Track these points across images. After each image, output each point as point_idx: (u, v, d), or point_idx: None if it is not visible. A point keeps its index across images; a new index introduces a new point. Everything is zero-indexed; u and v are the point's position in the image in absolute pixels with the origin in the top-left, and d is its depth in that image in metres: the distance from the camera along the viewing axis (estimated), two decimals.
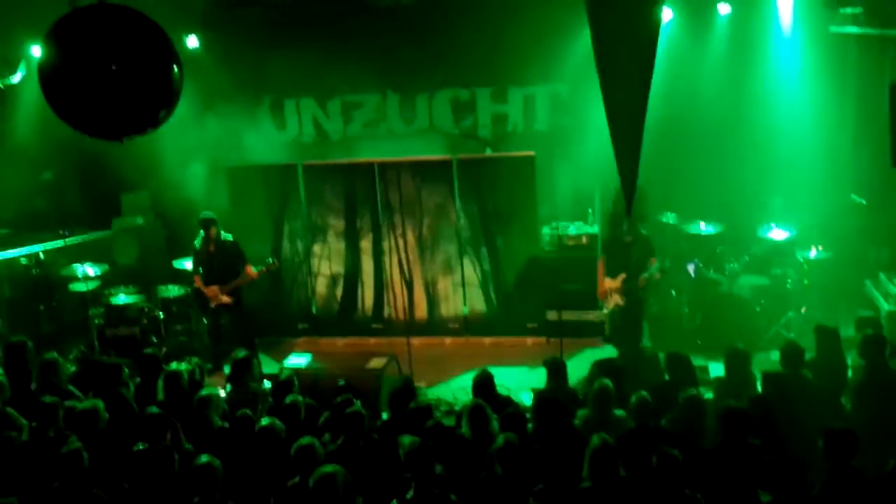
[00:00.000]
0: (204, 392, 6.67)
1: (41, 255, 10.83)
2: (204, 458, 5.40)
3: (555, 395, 6.58)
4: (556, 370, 7.03)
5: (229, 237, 9.78)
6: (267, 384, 8.15)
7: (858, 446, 5.17)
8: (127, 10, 5.21)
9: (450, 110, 11.61)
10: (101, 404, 6.28)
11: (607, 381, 6.32)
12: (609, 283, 9.15)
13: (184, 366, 7.89)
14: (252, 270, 9.71)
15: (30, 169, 11.90)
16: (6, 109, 11.26)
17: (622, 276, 8.99)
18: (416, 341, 9.65)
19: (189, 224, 10.04)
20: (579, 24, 6.83)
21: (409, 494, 5.19)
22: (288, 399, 6.48)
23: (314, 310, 10.99)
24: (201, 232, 9.65)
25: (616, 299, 9.10)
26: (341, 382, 7.12)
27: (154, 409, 6.25)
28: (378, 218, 10.61)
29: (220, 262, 9.63)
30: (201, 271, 9.71)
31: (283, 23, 11.09)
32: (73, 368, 8.05)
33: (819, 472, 5.25)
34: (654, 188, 9.56)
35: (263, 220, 10.84)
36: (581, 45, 9.48)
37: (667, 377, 7.03)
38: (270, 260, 10.11)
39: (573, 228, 10.45)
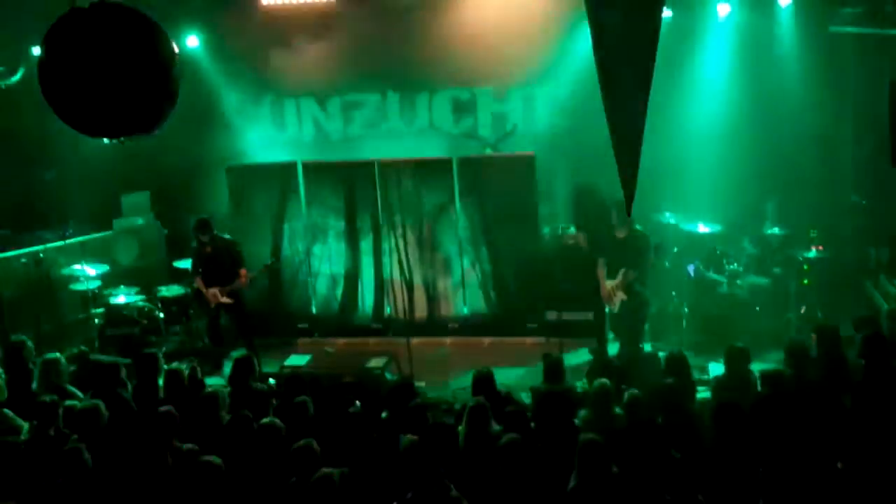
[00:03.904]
0: (211, 389, 6.70)
1: (41, 255, 10.83)
2: (206, 457, 5.40)
3: (554, 392, 6.60)
4: (554, 367, 7.03)
5: (228, 237, 9.78)
6: (272, 381, 8.17)
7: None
8: (127, 10, 5.21)
9: (450, 110, 11.61)
10: (101, 404, 6.29)
11: (607, 381, 6.34)
12: (611, 284, 9.14)
13: (184, 365, 7.90)
14: (246, 274, 9.67)
15: (30, 169, 11.91)
16: (6, 109, 11.26)
17: (622, 271, 9.00)
18: (416, 341, 9.64)
19: (189, 224, 10.03)
20: (579, 24, 6.87)
21: (409, 494, 5.19)
22: (297, 399, 6.49)
23: (314, 310, 10.99)
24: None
25: (621, 296, 9.09)
26: (345, 380, 7.11)
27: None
28: (378, 218, 10.61)
29: (219, 263, 9.61)
30: (201, 271, 9.70)
31: (283, 22, 11.09)
32: (72, 368, 8.05)
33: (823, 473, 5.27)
34: (654, 188, 9.55)
35: (263, 220, 10.84)
36: (581, 45, 9.50)
37: (666, 378, 7.02)
38: (270, 260, 10.12)
39: (573, 228, 10.44)
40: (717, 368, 8.06)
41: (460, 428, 6.09)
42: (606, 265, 9.20)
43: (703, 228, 10.07)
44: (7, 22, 9.95)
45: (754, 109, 10.36)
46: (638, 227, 9.15)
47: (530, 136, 11.24)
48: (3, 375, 7.09)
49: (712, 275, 9.95)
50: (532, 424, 6.20)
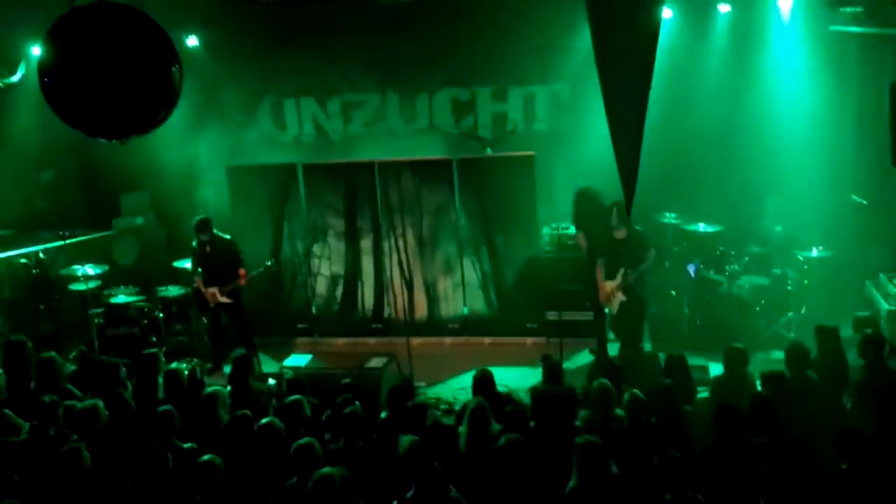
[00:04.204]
0: (211, 389, 6.71)
1: (41, 255, 10.84)
2: (206, 456, 5.40)
3: (552, 393, 6.60)
4: (553, 369, 7.03)
5: (227, 237, 9.78)
6: (272, 381, 8.16)
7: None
8: (127, 9, 5.21)
9: (450, 110, 11.61)
10: (101, 403, 6.29)
11: (607, 381, 6.33)
12: (610, 285, 9.15)
13: (184, 365, 7.90)
14: (245, 274, 9.66)
15: (30, 169, 11.91)
16: (6, 109, 11.26)
17: (621, 272, 9.00)
18: (416, 341, 9.64)
19: (189, 224, 10.05)
20: (579, 24, 6.86)
21: (409, 494, 5.19)
22: (290, 399, 6.49)
23: (314, 310, 10.98)
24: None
25: (620, 297, 9.09)
26: (345, 381, 7.12)
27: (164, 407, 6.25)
28: (378, 218, 10.60)
29: (219, 263, 9.62)
30: (200, 271, 9.71)
31: (284, 22, 11.09)
32: (72, 368, 8.05)
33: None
34: (654, 188, 9.54)
35: (263, 220, 10.83)
36: (581, 45, 9.49)
37: (666, 378, 7.02)
38: (269, 263, 10.11)
39: (573, 228, 10.44)
40: (716, 369, 8.06)
41: (461, 429, 6.09)
42: (605, 266, 9.20)
43: (703, 228, 10.07)
44: (7, 22, 9.94)
45: (754, 109, 10.36)
46: (637, 227, 9.15)
47: (530, 136, 11.24)
48: (3, 375, 7.08)
49: (712, 275, 9.95)
50: (532, 424, 6.19)
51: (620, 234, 9.08)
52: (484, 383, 6.80)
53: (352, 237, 10.73)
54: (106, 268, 10.57)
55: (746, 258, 10.00)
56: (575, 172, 10.62)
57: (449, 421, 6.95)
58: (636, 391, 6.20)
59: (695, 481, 5.20)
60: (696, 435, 6.12)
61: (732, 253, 9.96)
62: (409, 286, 10.72)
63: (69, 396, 6.97)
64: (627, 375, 7.08)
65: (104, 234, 11.65)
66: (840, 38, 9.81)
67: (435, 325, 10.72)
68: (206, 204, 10.95)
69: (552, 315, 9.76)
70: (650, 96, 5.22)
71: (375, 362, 8.66)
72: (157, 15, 5.37)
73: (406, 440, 5.45)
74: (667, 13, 9.91)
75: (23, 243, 10.98)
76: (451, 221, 10.49)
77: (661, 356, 7.59)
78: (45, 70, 5.17)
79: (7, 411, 6.64)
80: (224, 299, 9.61)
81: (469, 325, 10.64)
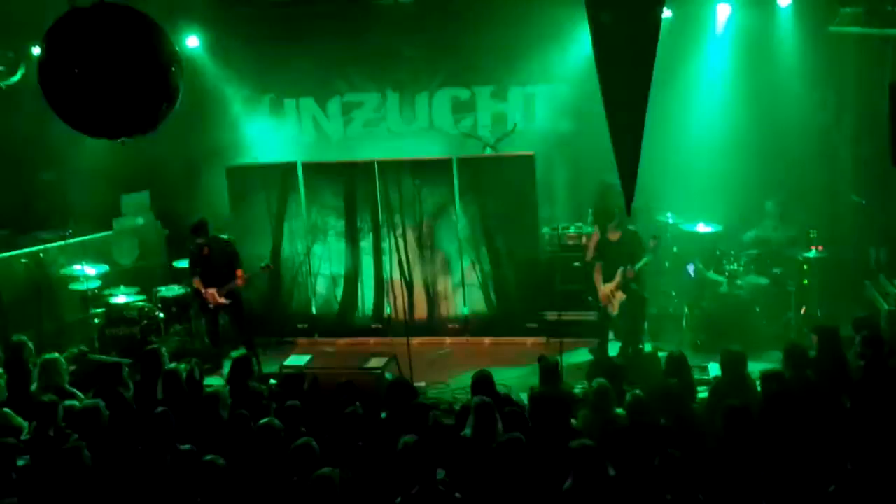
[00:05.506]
0: (210, 389, 6.71)
1: (41, 255, 10.83)
2: (208, 457, 5.41)
3: (549, 394, 6.60)
4: (549, 370, 7.03)
5: (225, 237, 9.77)
6: (272, 382, 8.17)
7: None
8: (127, 10, 5.22)
9: (450, 110, 11.61)
10: (101, 403, 6.29)
11: (605, 381, 6.34)
12: (608, 286, 9.14)
13: (183, 365, 7.90)
14: (242, 275, 9.64)
15: (30, 168, 11.91)
16: (6, 109, 11.25)
17: (619, 271, 8.99)
18: (416, 341, 9.64)
19: (189, 224, 10.04)
20: (579, 24, 6.87)
21: (409, 494, 5.18)
22: (289, 399, 6.50)
23: (314, 310, 10.99)
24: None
25: (620, 296, 9.09)
26: (344, 381, 7.12)
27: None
28: (378, 218, 10.61)
29: (217, 264, 9.60)
30: (199, 272, 9.70)
31: (283, 22, 11.10)
32: (72, 368, 8.05)
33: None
34: (654, 188, 9.56)
35: (263, 220, 10.84)
36: (581, 45, 9.51)
37: (666, 378, 7.02)
38: (264, 263, 10.09)
39: (573, 228, 10.45)
40: (716, 368, 8.07)
41: (467, 430, 6.07)
42: (602, 269, 9.19)
43: (703, 228, 10.08)
44: (7, 22, 9.94)
45: (754, 109, 10.37)
46: (630, 227, 9.15)
47: (530, 136, 11.24)
48: (3, 375, 7.09)
49: (712, 275, 9.96)
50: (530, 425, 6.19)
51: (615, 235, 9.09)
52: (483, 384, 6.80)
53: (352, 237, 10.74)
54: (106, 268, 10.56)
55: (746, 258, 10.01)
56: (575, 172, 10.63)
57: (449, 421, 6.95)
58: (637, 391, 6.21)
59: (697, 482, 5.19)
60: (698, 435, 6.12)
61: (732, 253, 9.97)
62: (409, 286, 10.72)
63: (69, 397, 6.98)
64: (627, 375, 7.09)
65: (104, 234, 11.65)
66: (839, 38, 9.82)
67: (435, 325, 10.72)
68: (206, 204, 10.95)
69: (552, 315, 9.76)
70: (650, 96, 5.22)
71: (375, 362, 8.67)
72: (157, 15, 5.37)
73: (406, 440, 5.44)
74: (666, 13, 9.91)
75: (23, 243, 10.98)
76: (451, 221, 10.49)
77: (661, 356, 7.59)
78: (46, 70, 5.17)
79: (7, 411, 6.65)
80: (222, 300, 9.60)
81: (469, 325, 10.65)
